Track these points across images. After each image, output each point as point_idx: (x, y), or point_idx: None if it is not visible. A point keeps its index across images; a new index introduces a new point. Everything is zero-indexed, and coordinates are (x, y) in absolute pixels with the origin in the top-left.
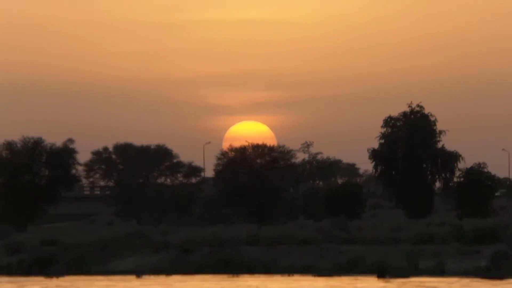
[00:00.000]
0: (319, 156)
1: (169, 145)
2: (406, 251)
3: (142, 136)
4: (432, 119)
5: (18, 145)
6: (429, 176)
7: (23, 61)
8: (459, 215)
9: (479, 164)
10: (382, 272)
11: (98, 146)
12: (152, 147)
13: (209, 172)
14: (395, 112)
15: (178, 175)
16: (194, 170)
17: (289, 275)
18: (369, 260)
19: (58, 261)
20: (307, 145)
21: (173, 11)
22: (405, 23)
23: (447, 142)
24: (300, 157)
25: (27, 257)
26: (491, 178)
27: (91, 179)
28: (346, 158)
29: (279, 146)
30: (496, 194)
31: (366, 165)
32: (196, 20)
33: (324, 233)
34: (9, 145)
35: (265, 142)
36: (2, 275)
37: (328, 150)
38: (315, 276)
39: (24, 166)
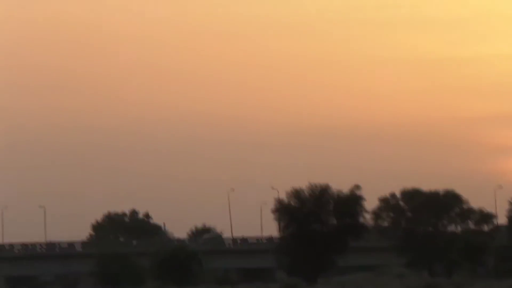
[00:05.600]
0: None
1: (458, 190)
2: None
3: (430, 180)
4: None
5: (306, 193)
6: None
7: (292, 107)
8: None
9: None
10: None
11: (384, 191)
12: (441, 192)
13: (501, 219)
14: None
15: (469, 222)
16: (486, 217)
17: None
18: None
19: None
20: None
21: (458, 47)
22: None
23: None
24: None
25: None
26: None
27: (378, 228)
28: None
29: None
30: None
31: None
32: (483, 55)
33: None
34: (297, 193)
35: None
36: None
37: None
38: None
39: (312, 214)
